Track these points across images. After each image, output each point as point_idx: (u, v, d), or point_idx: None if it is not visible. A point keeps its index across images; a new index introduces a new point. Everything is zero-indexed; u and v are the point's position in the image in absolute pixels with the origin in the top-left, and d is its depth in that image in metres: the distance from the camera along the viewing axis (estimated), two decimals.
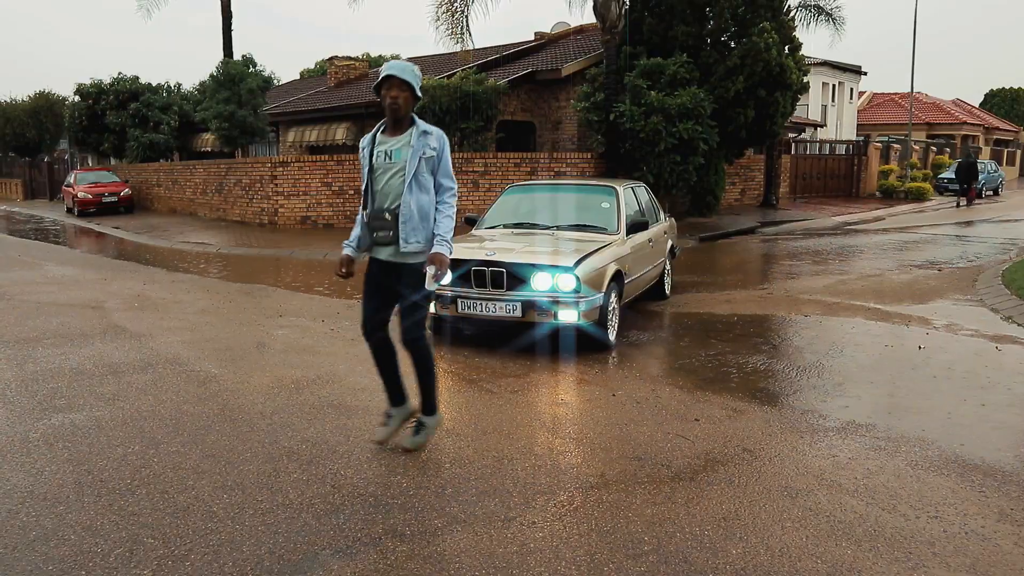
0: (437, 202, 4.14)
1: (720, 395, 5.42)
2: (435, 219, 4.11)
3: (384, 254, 4.15)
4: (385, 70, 4.04)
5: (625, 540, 3.35)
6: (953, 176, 27.95)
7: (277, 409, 5.11)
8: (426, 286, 3.99)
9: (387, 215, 4.04)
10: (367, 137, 4.24)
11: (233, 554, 3.23)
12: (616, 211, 7.67)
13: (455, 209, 4.19)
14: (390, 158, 4.09)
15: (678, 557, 3.21)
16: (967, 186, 26.10)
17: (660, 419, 4.91)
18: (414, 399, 4.41)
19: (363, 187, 4.22)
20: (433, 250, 4.04)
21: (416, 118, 4.16)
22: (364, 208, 4.19)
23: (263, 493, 3.82)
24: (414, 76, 4.08)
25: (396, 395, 4.37)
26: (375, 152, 4.13)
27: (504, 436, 4.61)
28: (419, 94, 4.11)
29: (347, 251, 4.23)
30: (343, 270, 4.24)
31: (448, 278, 4.09)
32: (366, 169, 4.18)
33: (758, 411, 5.07)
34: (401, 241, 4.03)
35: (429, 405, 4.33)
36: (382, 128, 4.22)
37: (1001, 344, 6.76)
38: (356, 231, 4.25)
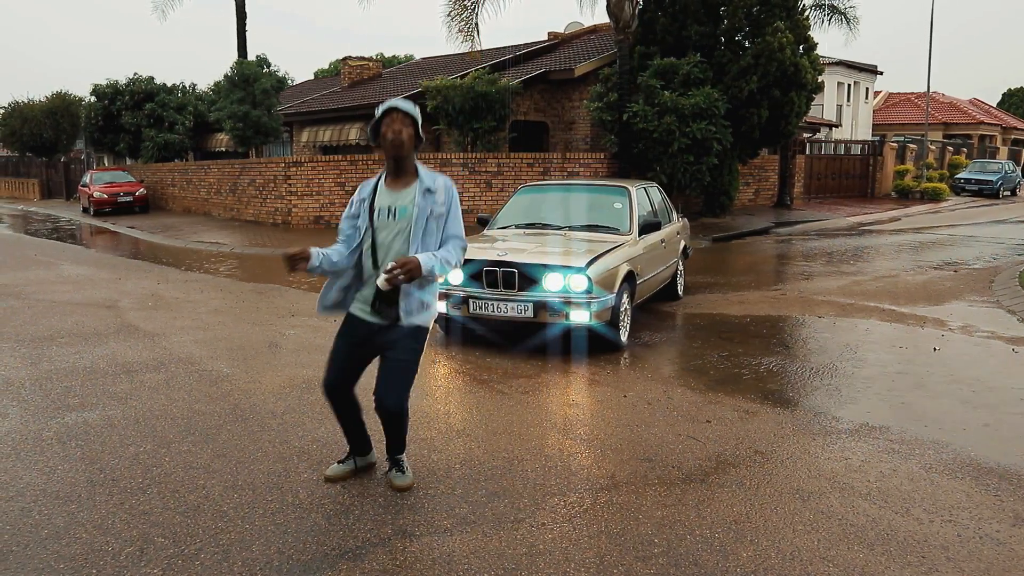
0: (448, 242, 3.67)
1: (732, 396, 5.39)
2: (445, 246, 3.65)
3: (376, 316, 3.66)
4: (385, 104, 3.57)
5: (635, 542, 3.34)
6: (969, 177, 30.55)
7: (288, 409, 5.13)
8: (377, 282, 3.47)
9: (390, 293, 3.55)
10: (368, 185, 3.74)
11: (243, 553, 3.24)
12: (628, 211, 7.65)
13: (461, 257, 3.71)
14: (394, 216, 3.60)
15: (688, 559, 3.19)
16: None
17: (671, 420, 4.89)
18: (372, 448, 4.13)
19: (359, 241, 3.66)
20: (417, 255, 3.50)
21: (419, 167, 3.67)
22: (357, 265, 3.69)
23: (273, 493, 3.83)
24: (417, 112, 3.61)
25: (362, 445, 4.03)
26: (376, 207, 3.63)
27: (515, 437, 4.60)
28: (422, 135, 3.63)
29: (312, 252, 3.52)
30: (294, 259, 3.45)
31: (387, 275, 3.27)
32: (365, 221, 3.63)
33: (770, 413, 5.04)
34: (403, 315, 3.59)
35: (401, 446, 3.92)
36: (382, 177, 3.72)
37: (1018, 346, 6.69)
38: (330, 258, 3.62)
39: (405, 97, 17.46)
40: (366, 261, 3.68)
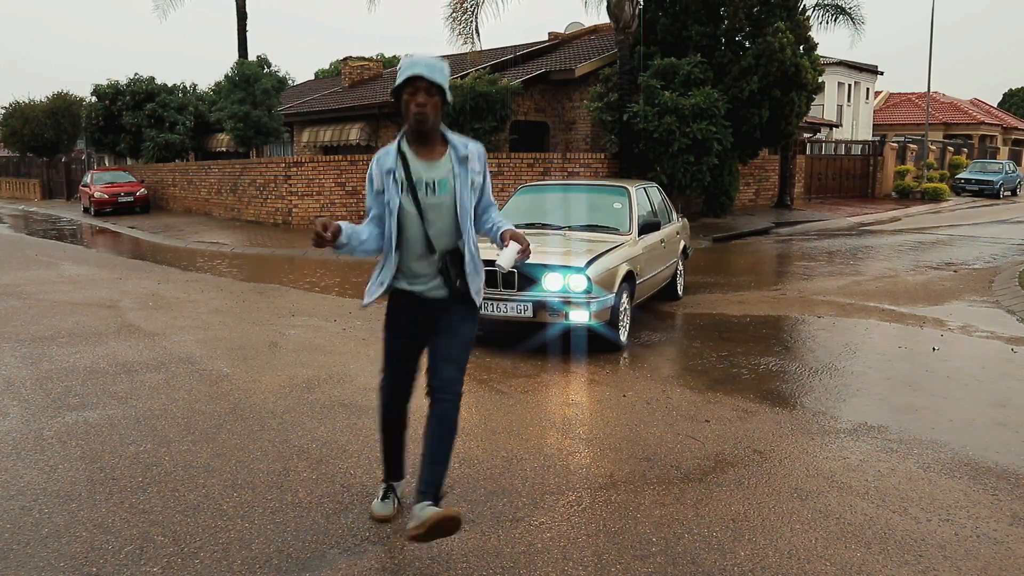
0: (489, 210, 3.41)
1: (731, 396, 5.40)
2: (493, 216, 3.39)
3: (432, 291, 3.27)
4: (409, 68, 3.07)
5: (633, 541, 3.35)
6: (970, 177, 30.73)
7: (288, 408, 5.14)
8: (504, 264, 3.15)
9: (449, 264, 3.20)
10: (389, 154, 3.22)
11: (242, 552, 3.25)
12: (628, 211, 7.66)
13: None
14: (433, 190, 3.16)
15: (686, 558, 3.20)
16: None
17: (670, 420, 4.90)
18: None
19: (387, 218, 3.19)
20: (507, 227, 3.29)
21: (447, 132, 3.26)
22: (397, 248, 3.21)
23: (273, 492, 3.84)
24: (445, 76, 3.13)
25: (399, 469, 3.63)
26: (416, 181, 3.16)
27: (514, 436, 4.61)
28: (450, 99, 3.18)
29: (343, 227, 3.15)
30: (322, 236, 3.01)
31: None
32: (396, 198, 3.16)
33: (769, 412, 5.05)
34: (472, 292, 3.26)
35: (440, 488, 3.15)
36: (403, 140, 3.24)
37: (1017, 346, 6.69)
38: (359, 236, 3.23)
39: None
40: (414, 240, 3.20)
